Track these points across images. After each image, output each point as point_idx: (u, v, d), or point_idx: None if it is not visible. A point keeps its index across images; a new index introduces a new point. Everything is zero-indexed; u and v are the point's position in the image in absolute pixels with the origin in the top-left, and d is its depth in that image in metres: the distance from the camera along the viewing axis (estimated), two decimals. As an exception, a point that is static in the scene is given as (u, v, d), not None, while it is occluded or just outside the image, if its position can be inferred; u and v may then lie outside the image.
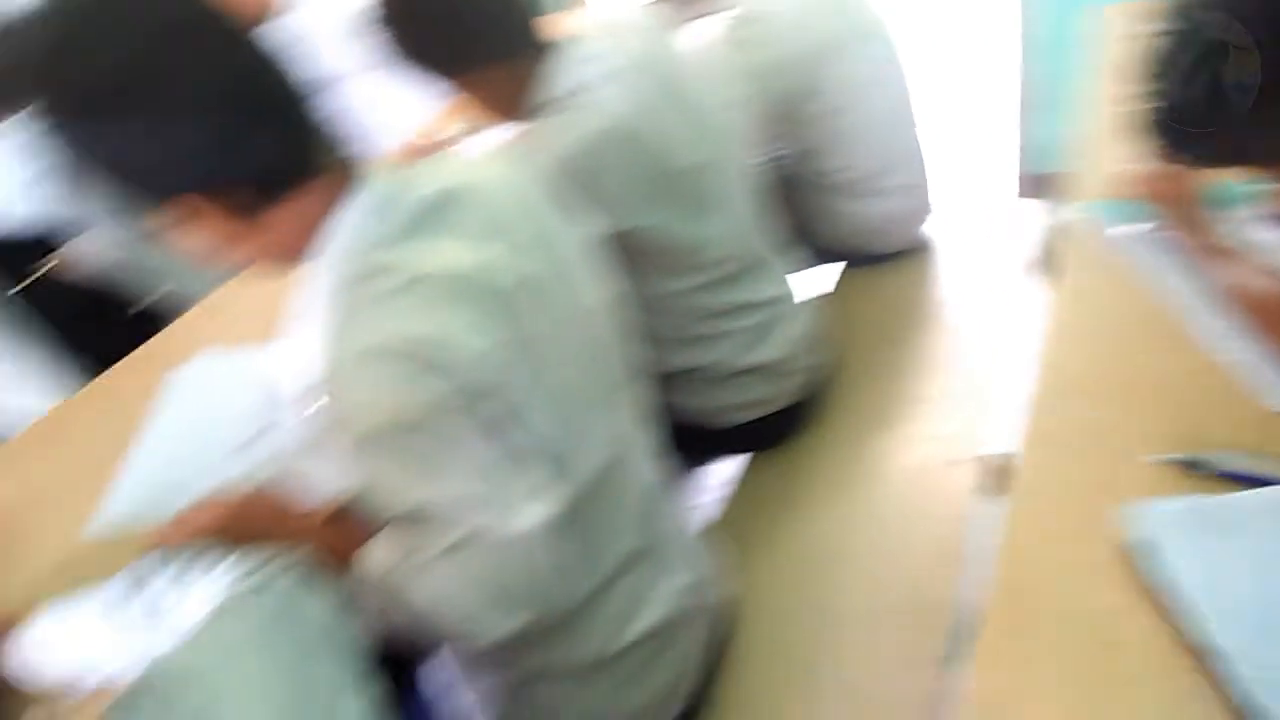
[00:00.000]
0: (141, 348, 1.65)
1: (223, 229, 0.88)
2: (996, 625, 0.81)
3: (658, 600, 1.06)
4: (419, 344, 0.82)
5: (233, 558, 0.76)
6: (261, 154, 0.87)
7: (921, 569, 1.33)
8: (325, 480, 0.96)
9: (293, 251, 0.91)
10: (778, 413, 1.51)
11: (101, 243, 2.08)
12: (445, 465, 0.84)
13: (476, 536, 0.85)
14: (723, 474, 1.54)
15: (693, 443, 1.27)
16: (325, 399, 0.87)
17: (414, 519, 0.85)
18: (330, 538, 0.90)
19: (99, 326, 2.04)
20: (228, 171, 0.85)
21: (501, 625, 0.89)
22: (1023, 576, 0.85)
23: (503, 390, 0.86)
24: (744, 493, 1.50)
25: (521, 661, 1.00)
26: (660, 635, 1.06)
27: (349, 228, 0.88)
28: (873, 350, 1.74)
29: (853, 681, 1.21)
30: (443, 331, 0.83)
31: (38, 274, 2.18)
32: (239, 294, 1.77)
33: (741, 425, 1.49)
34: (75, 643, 0.79)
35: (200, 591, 0.74)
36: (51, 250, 2.17)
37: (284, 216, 0.88)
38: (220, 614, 0.68)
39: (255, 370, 1.42)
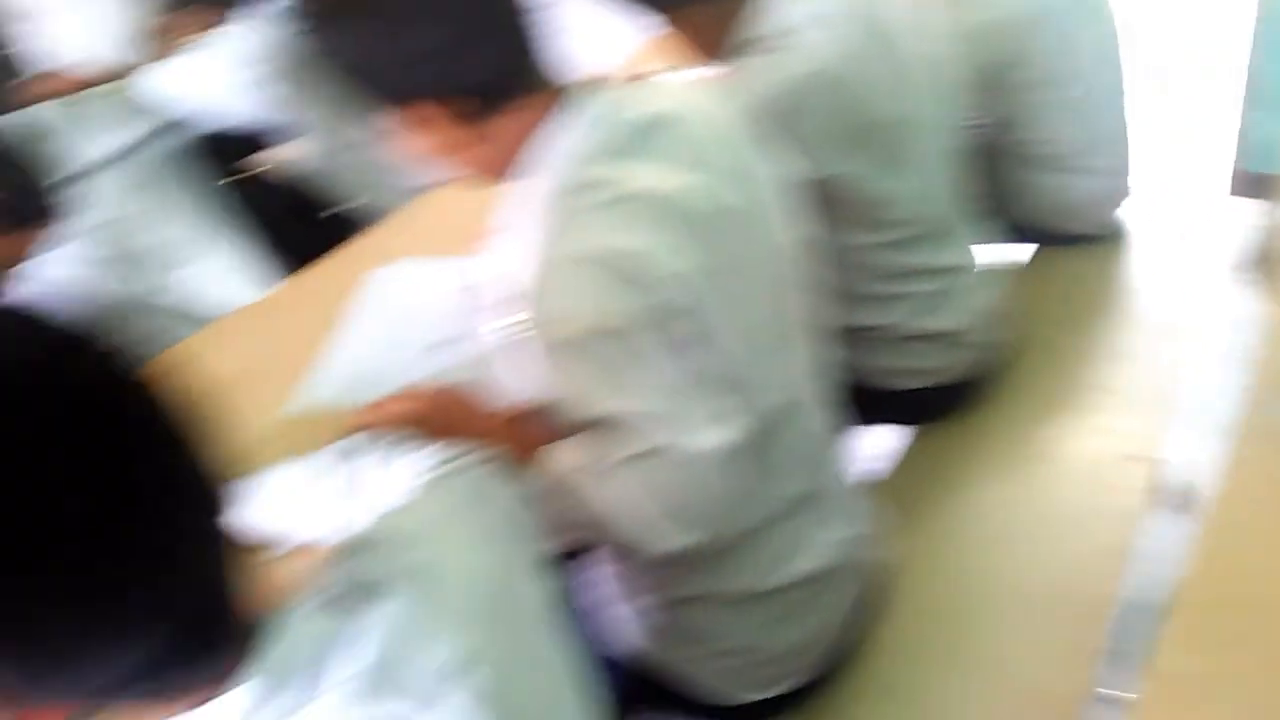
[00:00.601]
0: (340, 250, 1.75)
1: (445, 136, 0.93)
2: (1187, 618, 0.78)
3: (815, 547, 1.06)
4: (621, 257, 0.85)
5: (429, 446, 0.81)
6: (489, 64, 0.92)
7: (1085, 561, 1.28)
8: (513, 386, 1.00)
9: (504, 164, 0.95)
10: (949, 384, 1.48)
11: (306, 149, 2.21)
12: (634, 378, 0.87)
13: (659, 451, 0.87)
14: (886, 439, 1.52)
15: (858, 403, 1.26)
16: (522, 309, 0.91)
17: (601, 427, 0.89)
18: (515, 438, 0.94)
19: (295, 227, 2.18)
20: (457, 78, 0.90)
21: (673, 539, 0.91)
22: (1222, 570, 0.82)
23: (695, 312, 0.88)
24: (907, 461, 1.47)
25: (679, 583, 1.03)
26: (812, 583, 1.06)
27: (563, 143, 0.92)
28: (1055, 333, 1.67)
29: (1000, 667, 1.18)
30: (643, 248, 0.86)
31: (247, 170, 2.35)
32: (431, 209, 1.85)
33: (910, 391, 1.46)
34: (285, 503, 0.85)
35: (400, 471, 0.78)
36: (261, 149, 2.33)
37: (503, 128, 0.93)
38: (427, 489, 0.72)
39: (452, 278, 1.49)
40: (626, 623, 1.09)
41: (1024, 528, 1.35)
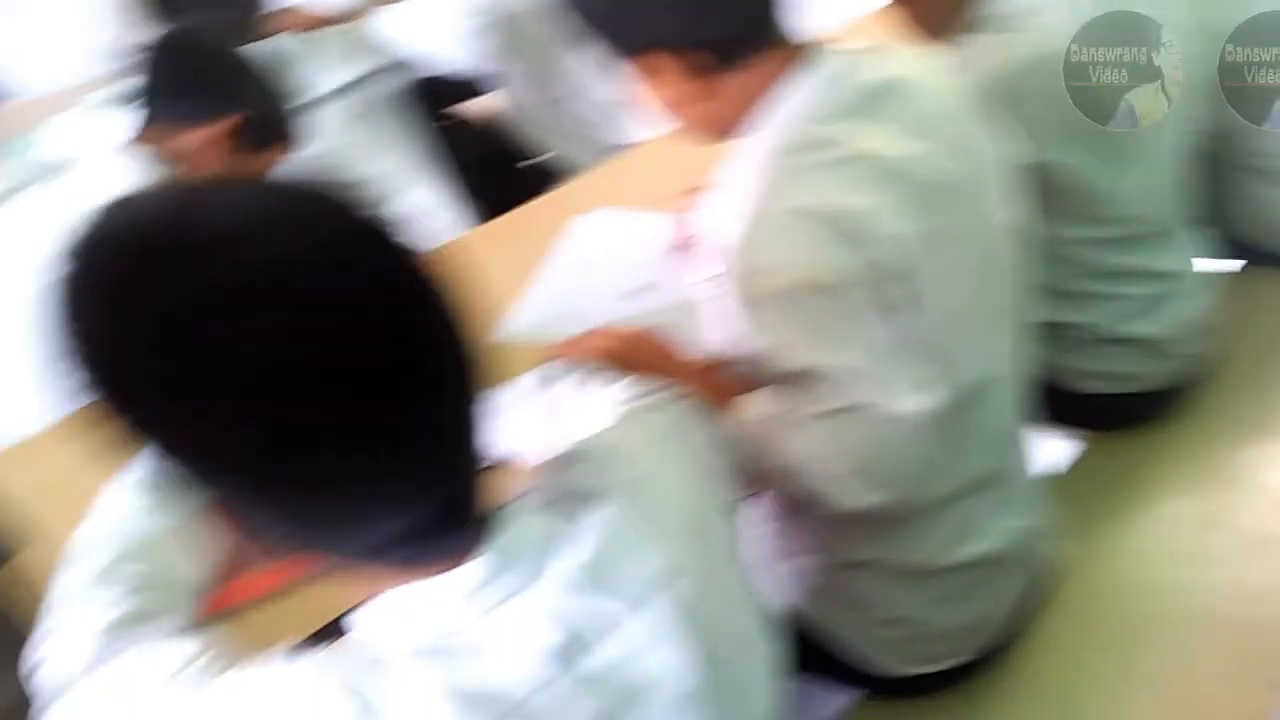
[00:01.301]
0: (540, 198, 1.82)
1: (678, 89, 0.95)
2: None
3: (991, 531, 1.05)
4: (843, 214, 0.87)
5: (626, 379, 0.84)
6: (729, 20, 0.94)
7: (1272, 588, 1.22)
8: (708, 337, 1.03)
9: (729, 121, 0.97)
10: (1143, 393, 1.42)
11: (512, 99, 2.30)
12: (842, 335, 0.88)
13: (859, 408, 0.88)
14: (1068, 441, 1.48)
15: (1046, 402, 1.23)
16: (723, 262, 0.93)
17: (800, 379, 0.90)
18: (708, 384, 0.97)
19: (494, 175, 2.27)
20: (696, 32, 0.92)
21: (859, 496, 0.92)
22: None
23: (908, 277, 0.89)
24: (1089, 464, 1.42)
25: (849, 548, 1.04)
26: (983, 566, 1.06)
27: (794, 101, 0.93)
28: (1259, 353, 1.57)
29: (1166, 682, 1.14)
30: (865, 208, 0.87)
31: (456, 115, 2.46)
32: (634, 164, 1.89)
33: (1101, 396, 1.41)
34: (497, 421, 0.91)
35: (597, 399, 0.82)
36: (471, 96, 2.44)
37: (735, 84, 0.95)
38: (630, 416, 0.75)
39: (654, 230, 1.53)
40: (783, 581, 1.11)
41: (1207, 547, 1.28)
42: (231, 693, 0.63)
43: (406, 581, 0.62)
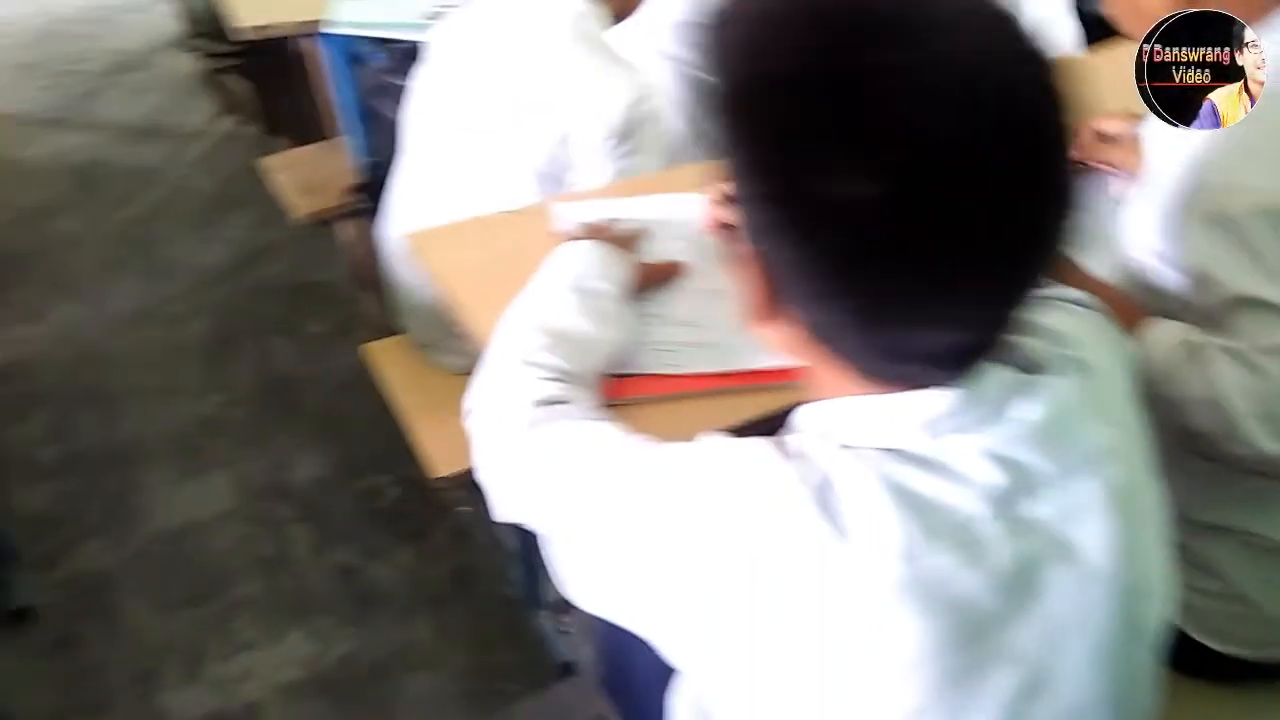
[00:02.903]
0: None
1: None
2: None
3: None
4: None
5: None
6: None
7: None
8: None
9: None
10: None
11: None
12: None
13: None
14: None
15: None
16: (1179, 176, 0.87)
17: (1230, 312, 0.84)
18: (1113, 302, 0.93)
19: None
20: None
21: (1258, 444, 0.88)
22: None
23: None
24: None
25: (1216, 508, 1.01)
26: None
27: None
28: None
29: None
30: None
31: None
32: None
33: None
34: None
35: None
36: None
37: None
38: (1057, 305, 0.74)
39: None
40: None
41: None
42: (687, 455, 0.69)
43: (867, 393, 0.64)
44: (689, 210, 1.30)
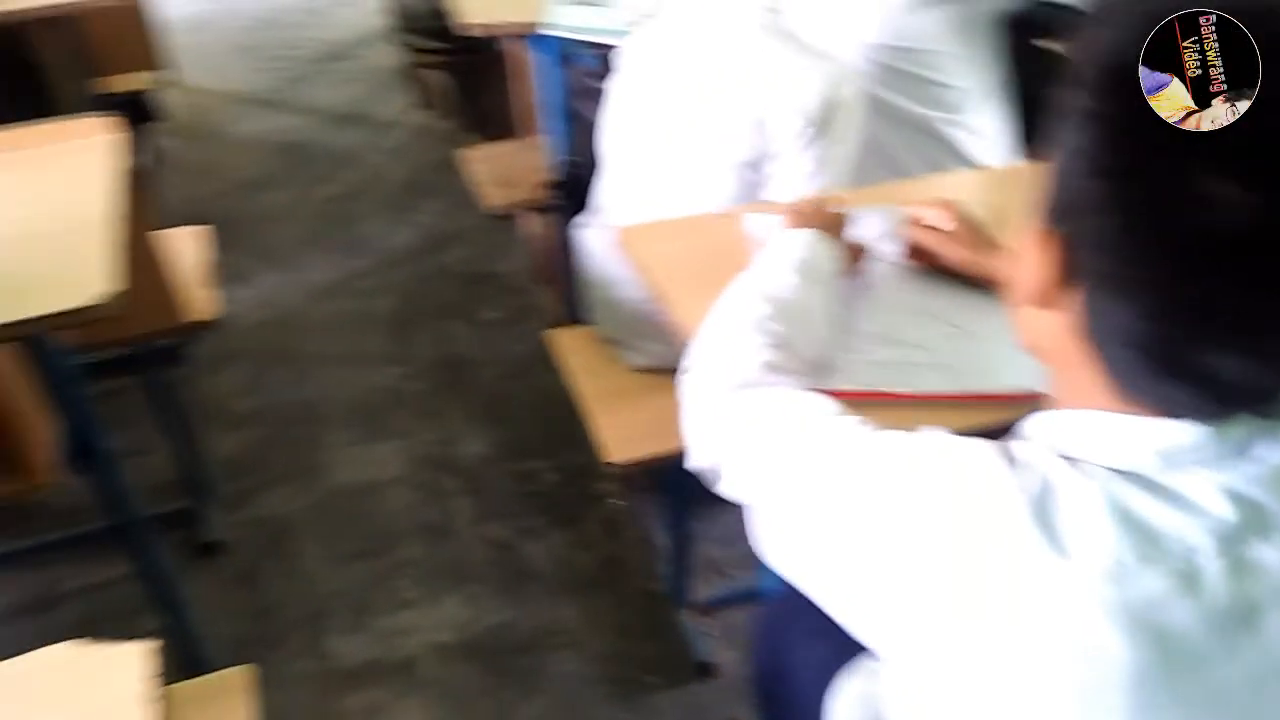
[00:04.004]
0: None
1: None
2: None
3: None
4: None
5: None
6: None
7: None
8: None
9: None
10: None
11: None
12: None
13: None
14: None
15: None
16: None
17: None
18: None
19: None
20: None
21: None
22: None
23: None
24: None
25: None
26: None
27: None
28: None
29: None
30: None
31: (1040, 49, 2.33)
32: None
33: None
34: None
35: None
36: (1055, 34, 2.27)
37: None
38: None
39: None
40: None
41: None
42: (908, 444, 0.70)
43: (1112, 409, 0.64)
44: (888, 223, 1.34)
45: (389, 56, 4.07)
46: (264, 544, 2.18)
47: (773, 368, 0.93)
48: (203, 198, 3.33)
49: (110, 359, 2.01)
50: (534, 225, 2.81)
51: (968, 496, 0.64)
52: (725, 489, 0.90)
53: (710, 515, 2.05)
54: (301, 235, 3.21)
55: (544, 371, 2.18)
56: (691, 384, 0.97)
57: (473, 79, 3.24)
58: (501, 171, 2.59)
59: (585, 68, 2.20)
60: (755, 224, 1.34)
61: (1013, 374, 1.09)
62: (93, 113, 1.72)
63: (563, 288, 2.40)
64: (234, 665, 1.21)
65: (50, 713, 0.89)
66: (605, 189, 1.82)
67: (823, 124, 1.50)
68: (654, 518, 2.19)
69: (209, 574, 2.09)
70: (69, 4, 2.37)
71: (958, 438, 0.69)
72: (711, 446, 0.90)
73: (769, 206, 1.41)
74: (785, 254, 1.11)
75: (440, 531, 2.20)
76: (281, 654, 1.94)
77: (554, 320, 2.49)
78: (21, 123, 1.71)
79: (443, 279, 2.99)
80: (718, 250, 1.32)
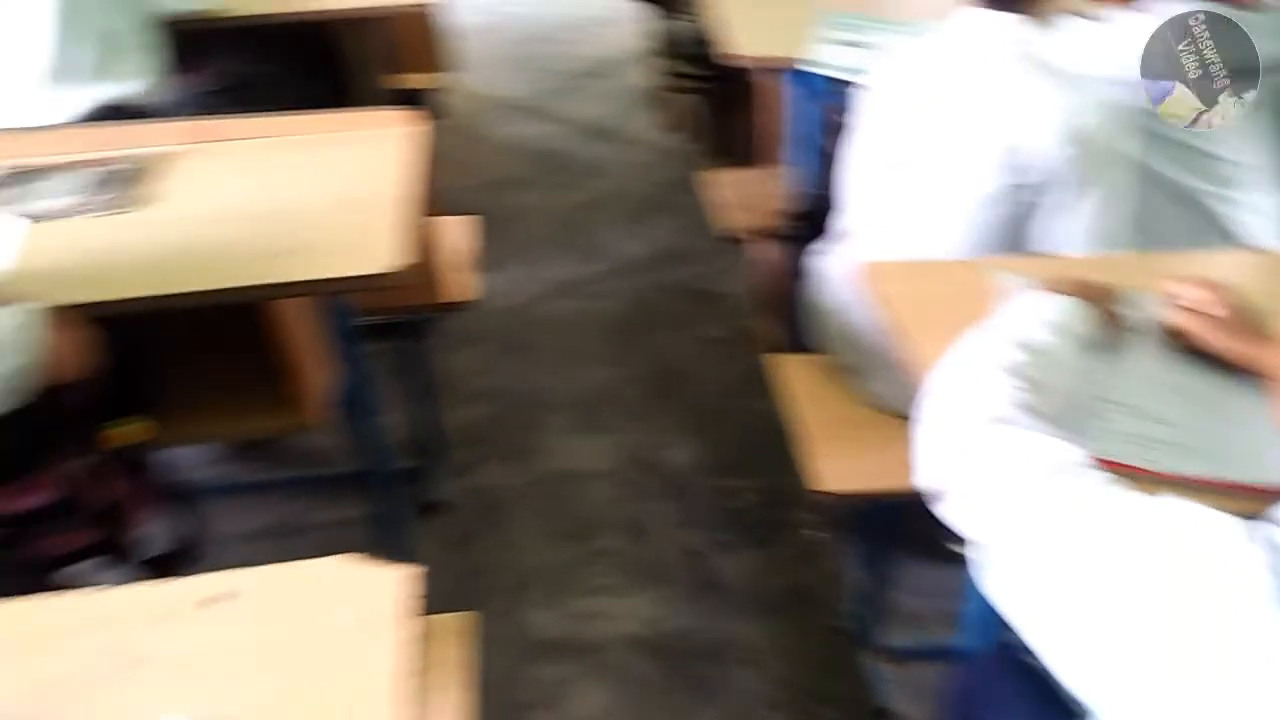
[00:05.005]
0: None
1: None
2: None
3: None
4: None
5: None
6: None
7: None
8: None
9: None
10: None
11: None
12: None
13: None
14: None
15: None
16: None
17: None
18: None
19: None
20: None
21: None
22: None
23: None
24: None
25: None
26: None
27: None
28: None
29: None
30: None
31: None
32: None
33: None
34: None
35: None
36: None
37: None
38: None
39: None
40: None
41: None
42: (1151, 509, 0.70)
43: None
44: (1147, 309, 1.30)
45: (642, 77, 4.26)
46: (481, 511, 2.35)
47: (1026, 409, 0.94)
48: (463, 190, 3.61)
49: (378, 324, 2.24)
50: (765, 251, 2.88)
51: (1207, 572, 0.65)
52: (947, 514, 0.92)
53: (907, 564, 2.04)
54: (545, 235, 3.43)
55: (756, 394, 2.24)
56: (935, 406, 0.99)
57: (721, 105, 3.36)
58: (740, 196, 2.68)
59: (835, 104, 2.25)
60: (1007, 281, 1.35)
61: (1262, 466, 1.06)
62: (385, 106, 1.94)
63: (788, 315, 2.46)
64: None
65: (320, 614, 1.04)
66: (849, 217, 1.86)
67: (1076, 156, 1.47)
68: (848, 556, 2.20)
69: (429, 530, 2.28)
70: (374, 6, 2.65)
71: (1205, 510, 0.69)
72: (948, 470, 0.92)
73: (1026, 264, 1.41)
74: (1039, 312, 1.11)
75: (639, 529, 2.30)
76: (483, 615, 2.08)
77: (771, 346, 2.55)
78: (323, 109, 1.95)
79: (669, 292, 3.11)
80: (962, 297, 1.33)
